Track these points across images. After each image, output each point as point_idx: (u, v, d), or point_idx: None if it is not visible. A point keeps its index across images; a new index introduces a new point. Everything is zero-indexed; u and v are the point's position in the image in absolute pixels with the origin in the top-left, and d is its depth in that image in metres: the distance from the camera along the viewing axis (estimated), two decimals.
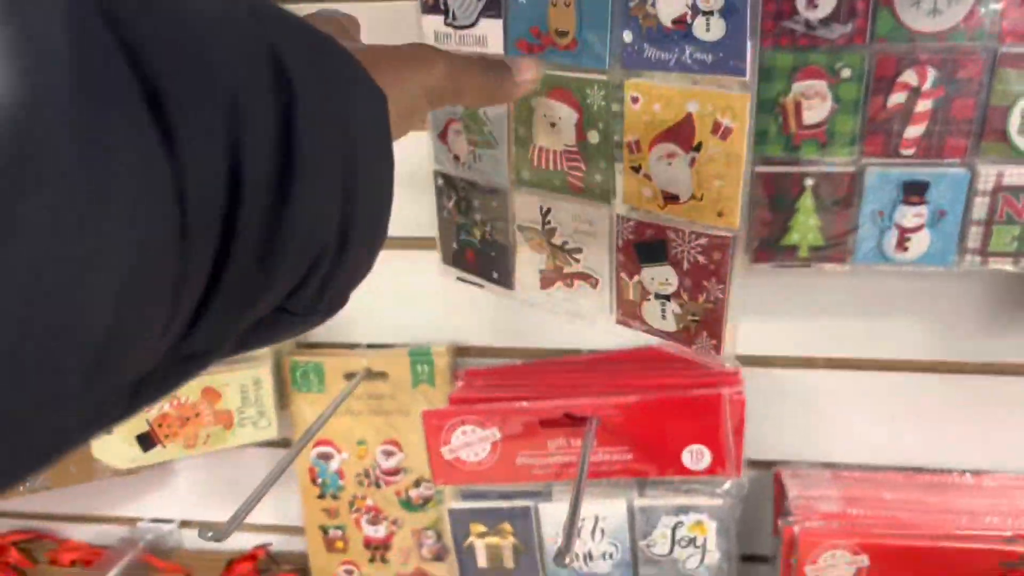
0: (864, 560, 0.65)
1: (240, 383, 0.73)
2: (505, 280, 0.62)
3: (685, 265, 0.53)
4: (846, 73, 0.57)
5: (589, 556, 0.68)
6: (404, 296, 0.76)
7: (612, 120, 0.52)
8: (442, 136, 0.61)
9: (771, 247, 0.63)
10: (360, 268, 0.34)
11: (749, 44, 0.45)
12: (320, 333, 0.79)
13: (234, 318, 0.27)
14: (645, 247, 0.54)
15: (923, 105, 0.57)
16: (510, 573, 0.70)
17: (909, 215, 0.60)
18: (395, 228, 0.71)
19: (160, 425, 0.72)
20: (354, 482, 0.79)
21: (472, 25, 0.55)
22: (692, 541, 0.67)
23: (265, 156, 0.26)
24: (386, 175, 0.34)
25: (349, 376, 0.75)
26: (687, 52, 0.47)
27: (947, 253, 0.61)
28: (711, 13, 0.45)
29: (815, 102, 0.58)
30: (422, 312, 0.77)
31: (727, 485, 0.67)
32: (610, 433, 0.65)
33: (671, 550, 0.67)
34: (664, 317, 0.55)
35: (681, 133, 0.49)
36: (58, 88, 0.18)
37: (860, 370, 0.72)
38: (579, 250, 0.58)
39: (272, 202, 0.26)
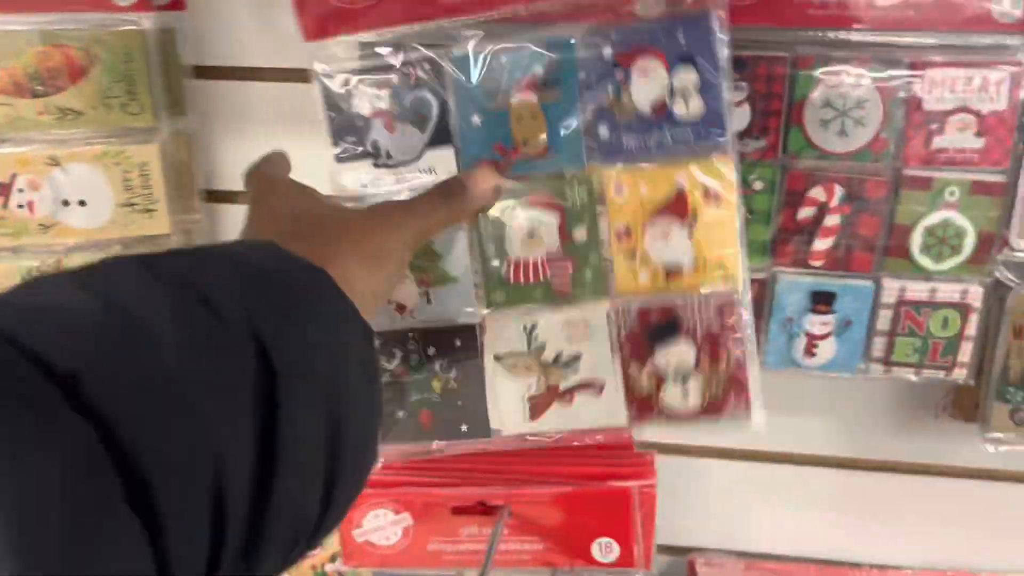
0: None
1: None
2: (479, 429, 0.58)
3: (699, 335, 0.55)
4: (759, 185, 0.59)
5: None
6: None
7: (597, 215, 0.54)
8: None
9: None
10: (347, 507, 0.35)
11: (726, 112, 0.52)
12: (234, 221, 0.72)
13: None
14: (656, 330, 0.55)
15: (831, 220, 0.59)
16: None
17: (817, 323, 0.62)
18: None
19: None
20: None
21: (416, 159, 0.54)
22: None
23: (245, 473, 0.27)
24: (373, 419, 0.35)
25: None
26: (667, 134, 0.52)
27: (853, 361, 0.63)
28: (688, 93, 0.51)
29: None
30: None
31: None
32: (522, 522, 0.66)
33: None
34: (687, 396, 0.56)
35: (675, 208, 0.53)
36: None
37: (773, 463, 0.74)
38: (576, 358, 0.56)
39: (253, 510, 0.28)
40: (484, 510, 0.66)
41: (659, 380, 0.55)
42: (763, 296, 0.62)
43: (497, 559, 0.67)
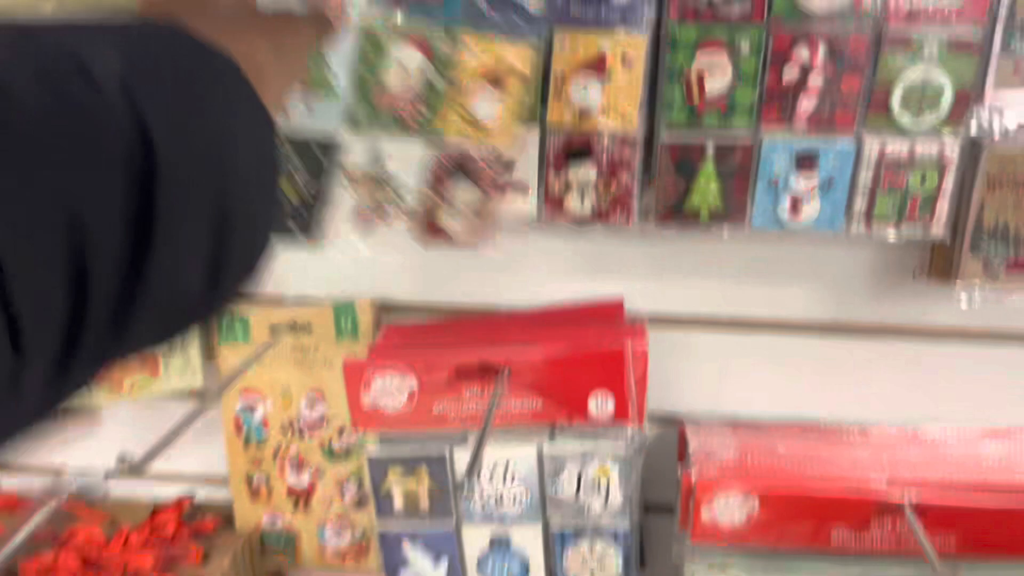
0: (754, 504, 0.70)
1: None
2: (312, 233, 0.66)
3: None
4: (745, 47, 0.62)
5: (500, 499, 0.72)
6: (330, 250, 0.79)
7: (455, 67, 0.62)
8: None
9: (674, 210, 0.67)
10: (237, 289, 0.34)
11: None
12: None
13: (97, 366, 0.28)
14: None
15: (814, 80, 0.62)
16: (426, 514, 0.74)
17: (801, 183, 0.65)
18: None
19: None
20: (278, 431, 0.81)
21: None
22: (596, 485, 0.71)
23: (113, 250, 0.26)
24: (268, 208, 0.34)
25: (274, 328, 0.78)
26: (512, 18, 0.62)
27: (836, 219, 0.66)
28: None
29: (716, 74, 0.62)
30: (348, 266, 0.79)
31: (629, 433, 0.71)
32: (522, 383, 0.69)
33: (577, 493, 0.72)
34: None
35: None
36: None
37: (759, 331, 0.77)
38: (405, 187, 0.66)
39: (123, 285, 0.27)
40: (485, 372, 0.69)
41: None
42: (749, 158, 0.64)
43: (499, 418, 0.70)
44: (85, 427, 0.86)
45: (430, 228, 0.66)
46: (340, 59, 0.59)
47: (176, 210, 0.28)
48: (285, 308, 0.79)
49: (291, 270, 0.80)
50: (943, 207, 0.65)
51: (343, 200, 0.63)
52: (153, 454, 0.57)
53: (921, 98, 0.61)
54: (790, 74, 0.62)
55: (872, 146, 0.63)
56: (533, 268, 0.77)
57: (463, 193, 0.65)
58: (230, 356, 0.79)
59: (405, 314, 0.80)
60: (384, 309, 0.80)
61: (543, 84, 0.65)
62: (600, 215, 0.68)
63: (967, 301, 0.67)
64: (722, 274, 0.75)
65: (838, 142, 0.63)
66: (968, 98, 0.61)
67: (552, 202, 0.68)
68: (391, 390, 0.70)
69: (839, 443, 0.77)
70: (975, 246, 0.65)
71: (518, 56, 0.62)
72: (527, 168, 0.68)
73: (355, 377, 0.70)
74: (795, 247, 0.73)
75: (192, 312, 0.32)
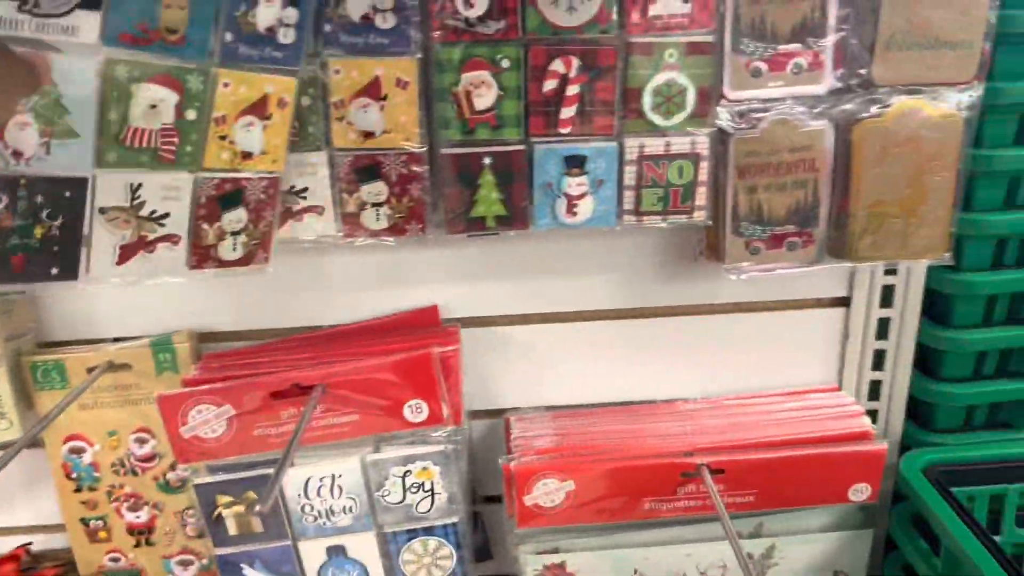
0: (571, 484, 0.75)
1: None
2: (68, 271, 0.63)
3: (252, 204, 0.68)
4: (505, 63, 0.66)
5: (331, 512, 0.75)
6: (144, 287, 0.79)
7: (207, 102, 0.63)
8: None
9: (462, 219, 0.71)
10: None
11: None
12: (62, 331, 0.81)
13: None
14: (226, 197, 0.67)
15: (572, 89, 0.67)
16: (261, 537, 0.76)
17: (573, 185, 0.70)
18: None
19: None
20: (110, 472, 0.81)
21: (62, 15, 0.56)
22: (421, 486, 0.75)
23: None
24: None
25: (91, 370, 0.78)
26: (269, 52, 0.64)
27: (610, 215, 0.71)
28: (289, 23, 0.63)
29: (483, 90, 0.67)
30: (163, 301, 0.80)
31: (446, 432, 0.74)
32: (337, 398, 0.72)
33: (403, 497, 0.75)
34: (235, 249, 0.68)
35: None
36: None
37: (565, 321, 0.82)
38: (166, 215, 0.65)
39: None
40: (301, 392, 0.71)
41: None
42: (524, 165, 0.69)
43: (318, 435, 0.73)
44: None
45: (200, 254, 0.67)
46: (77, 99, 0.58)
47: None
48: (101, 350, 0.79)
49: (105, 311, 0.80)
50: (703, 196, 0.71)
51: (102, 235, 0.63)
52: None
53: (668, 99, 0.67)
54: (549, 86, 0.67)
55: (632, 146, 0.69)
56: (346, 284, 0.80)
57: (233, 218, 0.67)
58: (48, 403, 0.79)
59: (227, 342, 0.82)
60: (204, 339, 0.81)
61: (324, 109, 0.68)
62: (396, 228, 0.71)
63: (736, 278, 0.73)
64: (525, 273, 0.80)
65: (602, 145, 0.69)
66: (709, 95, 0.68)
67: (349, 220, 0.71)
68: (208, 420, 0.71)
69: (649, 418, 0.83)
70: (736, 229, 0.71)
71: (280, 86, 0.64)
72: (321, 190, 0.70)
73: (172, 411, 0.71)
74: (584, 242, 0.79)
75: None
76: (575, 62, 0.66)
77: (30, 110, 0.57)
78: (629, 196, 0.71)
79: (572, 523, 0.77)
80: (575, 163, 0.69)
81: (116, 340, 0.81)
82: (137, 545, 0.84)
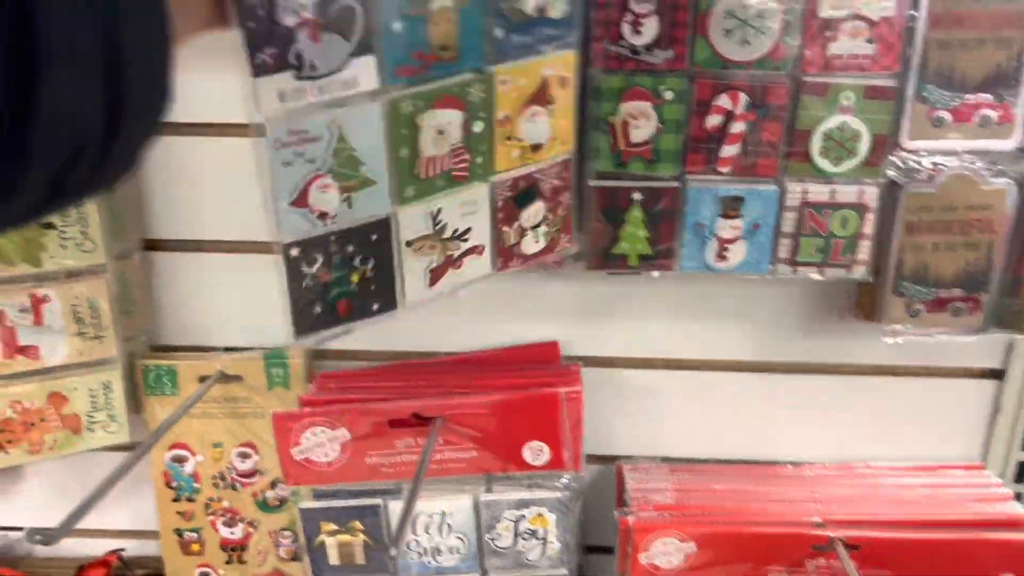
0: (691, 546, 0.70)
1: (88, 387, 0.72)
2: (387, 306, 0.61)
3: (548, 192, 0.64)
4: (669, 95, 0.62)
5: (437, 551, 0.71)
6: (260, 299, 0.77)
7: (493, 108, 0.59)
8: (300, 201, 0.55)
9: (604, 256, 0.67)
10: (136, 145, 0.33)
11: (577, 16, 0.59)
12: (175, 336, 0.79)
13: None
14: (522, 195, 0.63)
15: (737, 127, 0.63)
16: (362, 569, 0.72)
17: (727, 227, 0.65)
18: (251, 231, 0.72)
19: (2, 431, 0.71)
20: (209, 484, 0.79)
21: (340, 70, 0.52)
22: (533, 533, 0.71)
23: None
24: (159, 43, 0.32)
25: (203, 379, 0.76)
26: (544, 31, 0.58)
27: (762, 262, 0.67)
28: None
29: (641, 122, 0.63)
30: (279, 315, 0.78)
31: (566, 479, 0.70)
32: (456, 432, 0.68)
33: (514, 542, 0.71)
34: (538, 241, 0.65)
35: (541, 95, 0.60)
36: None
37: (693, 369, 0.78)
38: (468, 230, 0.62)
39: (14, 98, 0.26)
40: (419, 422, 0.68)
41: (522, 231, 0.65)
42: (676, 203, 0.65)
43: (433, 468, 0.69)
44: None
45: (505, 255, 0.65)
46: (368, 149, 0.55)
47: (62, 37, 0.27)
48: (214, 358, 0.77)
49: (220, 320, 0.78)
50: (865, 249, 0.66)
51: (412, 265, 0.61)
52: (72, 522, 0.55)
53: (840, 144, 0.63)
54: (713, 121, 0.63)
55: (794, 191, 0.64)
56: (466, 311, 0.76)
57: (531, 213, 0.64)
58: (158, 409, 0.77)
59: (340, 361, 0.79)
60: (317, 356, 0.79)
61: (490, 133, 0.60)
62: (550, 247, 0.67)
63: (892, 341, 0.68)
64: (655, 315, 0.76)
65: (761, 187, 0.64)
66: (885, 143, 0.63)
67: (505, 252, 0.65)
68: (322, 443, 0.68)
69: (773, 480, 0.77)
70: (897, 288, 0.66)
71: (558, 64, 0.60)
72: (481, 228, 0.63)
73: (285, 430, 0.68)
74: (725, 288, 0.74)
75: (90, 160, 0.30)
76: (743, 98, 0.62)
77: (328, 172, 0.54)
78: (786, 244, 0.66)
79: None
80: (731, 204, 0.65)
81: (227, 350, 0.79)
82: (228, 562, 0.82)
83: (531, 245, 0.66)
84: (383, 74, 0.54)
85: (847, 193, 0.64)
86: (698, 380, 0.78)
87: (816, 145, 0.63)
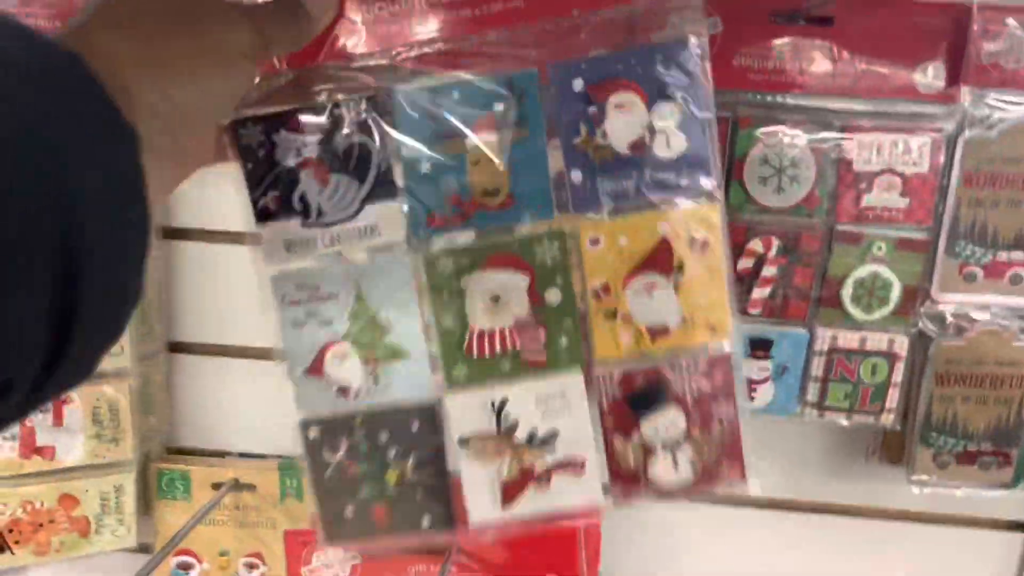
0: None
1: (100, 490, 0.71)
2: (443, 522, 0.49)
3: (689, 399, 0.49)
4: None
5: None
6: (279, 407, 0.77)
7: (571, 272, 0.48)
8: (314, 369, 0.49)
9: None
10: (96, 352, 0.29)
11: (712, 152, 0.46)
12: (191, 438, 0.79)
13: None
14: (641, 397, 0.49)
15: (768, 271, 0.63)
16: None
17: (755, 368, 0.65)
18: (272, 338, 0.72)
19: (11, 531, 0.70)
20: None
21: (353, 216, 0.46)
22: None
23: None
24: (125, 247, 0.29)
25: (216, 486, 0.75)
26: (648, 176, 0.47)
27: (789, 404, 0.66)
28: (669, 130, 0.46)
29: None
30: (294, 423, 0.77)
31: None
32: (471, 561, 0.67)
33: None
34: (678, 468, 0.49)
35: (659, 259, 0.47)
36: None
37: (714, 504, 0.76)
38: (553, 436, 0.49)
39: None
40: (432, 549, 0.67)
41: (648, 450, 0.49)
42: None
43: None
44: None
45: (625, 480, 0.49)
46: (399, 309, 0.47)
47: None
48: (228, 465, 0.76)
49: (236, 424, 0.78)
50: (894, 398, 0.65)
51: (472, 472, 0.48)
52: None
53: (871, 293, 0.63)
54: (745, 264, 0.63)
55: (824, 336, 0.64)
56: None
57: (658, 425, 0.48)
58: (167, 513, 0.76)
59: None
60: None
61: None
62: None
63: (919, 491, 0.67)
64: None
65: (791, 330, 0.64)
66: (916, 294, 0.63)
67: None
68: (332, 564, 0.67)
69: None
70: (925, 439, 0.65)
71: (684, 219, 0.47)
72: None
73: (297, 548, 0.67)
74: (749, 424, 0.73)
75: (35, 377, 0.27)
76: (775, 243, 0.62)
77: (345, 337, 0.47)
78: (814, 388, 0.65)
79: None
80: (760, 346, 0.65)
81: (242, 456, 0.78)
82: None
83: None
84: (412, 224, 0.47)
85: (877, 341, 0.64)
86: (718, 515, 0.76)
87: (847, 292, 0.63)
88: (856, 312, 0.63)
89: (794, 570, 0.77)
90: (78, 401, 0.69)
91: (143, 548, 0.77)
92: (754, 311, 0.64)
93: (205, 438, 0.79)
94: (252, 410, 0.77)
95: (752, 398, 0.66)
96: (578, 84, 0.46)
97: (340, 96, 0.45)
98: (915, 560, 0.76)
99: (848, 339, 0.64)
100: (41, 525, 0.71)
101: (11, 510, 0.70)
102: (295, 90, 0.45)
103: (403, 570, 0.67)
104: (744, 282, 0.64)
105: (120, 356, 0.69)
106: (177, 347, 0.77)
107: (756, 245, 0.63)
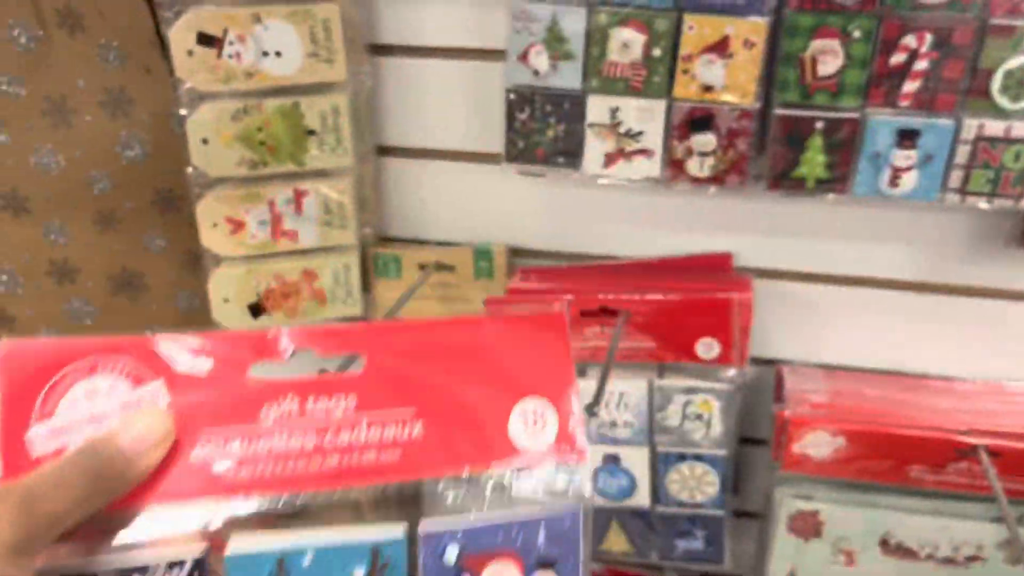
0: (841, 441, 0.79)
1: (333, 267, 0.88)
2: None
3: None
4: (857, 34, 0.68)
5: (613, 423, 0.83)
6: (471, 201, 0.90)
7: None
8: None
9: (783, 178, 0.75)
10: None
11: None
12: (399, 230, 0.93)
13: None
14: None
15: (920, 65, 0.68)
16: None
17: (902, 157, 0.72)
18: (467, 143, 0.85)
19: (267, 298, 0.88)
20: None
21: None
22: (699, 417, 0.82)
23: None
24: None
25: (422, 266, 0.90)
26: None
27: (932, 190, 0.73)
28: None
29: (829, 57, 0.70)
30: (485, 216, 0.91)
31: (732, 373, 0.80)
32: (637, 325, 0.79)
33: (681, 423, 0.82)
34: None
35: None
36: None
37: (855, 286, 0.85)
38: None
39: None
40: (606, 314, 0.79)
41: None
42: (855, 133, 0.72)
43: (616, 355, 0.81)
44: None
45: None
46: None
47: None
48: (431, 250, 0.91)
49: (434, 217, 0.92)
50: None
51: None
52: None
53: (1020, 83, 0.67)
54: (897, 59, 0.68)
55: (971, 125, 0.69)
56: (649, 222, 0.86)
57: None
58: (383, 290, 0.92)
59: (534, 259, 0.91)
60: (515, 253, 0.91)
61: (671, 61, 0.73)
62: (717, 179, 0.76)
63: None
64: (824, 234, 0.83)
65: (939, 121, 0.70)
66: None
67: (674, 165, 0.77)
68: None
69: (923, 391, 0.84)
70: None
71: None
72: (654, 135, 0.76)
73: (496, 312, 0.81)
74: (893, 212, 0.80)
75: None
76: (928, 38, 0.67)
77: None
78: (957, 175, 0.72)
79: (834, 476, 0.82)
80: (908, 136, 0.71)
81: (439, 244, 0.93)
82: None
83: (696, 169, 0.77)
84: None
85: (1022, 129, 0.69)
86: (859, 295, 0.85)
87: (997, 83, 0.68)
88: (1004, 102, 0.68)
89: (932, 350, 0.86)
90: (312, 194, 0.84)
91: (365, 317, 0.95)
92: (904, 103, 0.70)
93: (411, 230, 0.94)
94: (449, 205, 0.91)
95: (896, 185, 0.73)
96: (451, 552, 0.43)
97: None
98: None
99: (994, 128, 0.69)
100: (289, 295, 0.88)
101: (266, 282, 0.87)
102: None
103: (580, 332, 0.80)
104: (895, 76, 0.69)
105: (343, 156, 0.83)
106: (385, 151, 0.90)
107: (910, 40, 0.68)
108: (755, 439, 0.92)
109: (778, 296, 0.87)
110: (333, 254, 0.88)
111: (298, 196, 0.84)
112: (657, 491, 0.86)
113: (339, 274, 0.89)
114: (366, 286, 0.92)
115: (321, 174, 0.84)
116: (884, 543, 0.83)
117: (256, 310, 0.88)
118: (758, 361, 0.90)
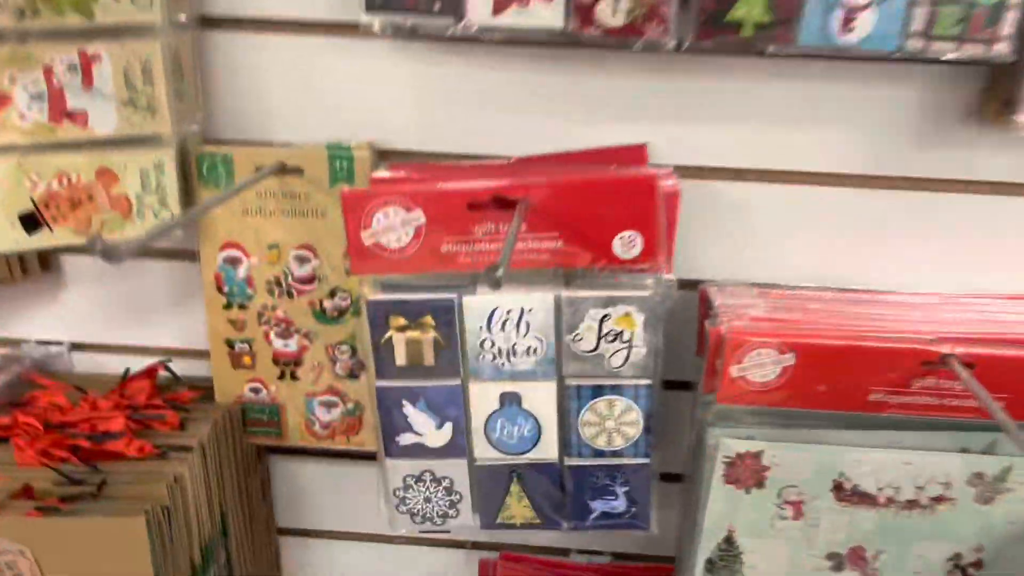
0: (790, 358, 0.64)
1: (140, 166, 0.67)
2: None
3: None
4: None
5: (512, 352, 0.66)
6: (323, 92, 0.71)
7: None
8: None
9: (716, 23, 0.60)
10: None
11: None
12: (229, 130, 0.73)
13: None
14: None
15: None
16: (429, 371, 0.67)
17: None
18: (318, 9, 0.66)
19: (47, 206, 0.66)
20: (264, 291, 0.74)
21: None
22: (619, 336, 0.65)
23: None
24: None
25: (261, 169, 0.70)
26: None
27: (890, 36, 0.60)
28: None
29: None
30: (342, 111, 0.72)
31: (658, 279, 0.64)
32: (541, 217, 0.62)
33: (597, 345, 0.65)
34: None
35: None
36: None
37: (792, 184, 0.71)
38: None
39: None
40: (500, 206, 0.62)
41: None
42: None
43: (513, 258, 0.64)
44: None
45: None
46: None
47: None
48: (274, 150, 0.71)
49: (278, 111, 0.72)
50: (1009, 24, 0.59)
51: None
52: (135, 244, 0.48)
53: None
54: None
55: None
56: (547, 112, 0.70)
57: None
58: None
59: (406, 160, 0.73)
60: (382, 155, 0.73)
61: None
62: (633, 28, 0.61)
63: None
64: (753, 119, 0.69)
65: None
66: None
67: (581, 12, 0.61)
68: (395, 226, 0.63)
69: (879, 306, 0.71)
70: None
71: None
72: None
73: (356, 211, 0.63)
74: (833, 89, 0.67)
75: None
76: None
77: None
78: (921, 14, 0.59)
79: (780, 406, 0.67)
80: None
81: (286, 146, 0.73)
82: (281, 377, 0.77)
83: (608, 17, 0.61)
84: None
85: None
86: (796, 195, 0.72)
87: None
88: None
89: (879, 252, 0.73)
90: (107, 61, 0.63)
91: (189, 254, 0.74)
92: None
93: (246, 129, 0.73)
94: (296, 95, 0.72)
95: (850, 29, 0.59)
96: None
97: None
98: (1011, 236, 0.71)
99: None
100: (80, 202, 0.66)
101: (46, 181, 0.65)
102: None
103: (468, 230, 0.62)
104: None
105: (149, 9, 0.63)
106: (210, 23, 0.70)
107: None
108: (677, 382, 0.77)
109: (700, 199, 0.72)
110: (141, 149, 0.67)
111: (86, 61, 0.63)
112: (567, 438, 0.69)
113: (149, 177, 0.67)
114: (188, 198, 0.71)
115: (117, 32, 0.63)
116: (838, 487, 0.69)
117: (31, 222, 0.66)
118: (680, 284, 0.75)
